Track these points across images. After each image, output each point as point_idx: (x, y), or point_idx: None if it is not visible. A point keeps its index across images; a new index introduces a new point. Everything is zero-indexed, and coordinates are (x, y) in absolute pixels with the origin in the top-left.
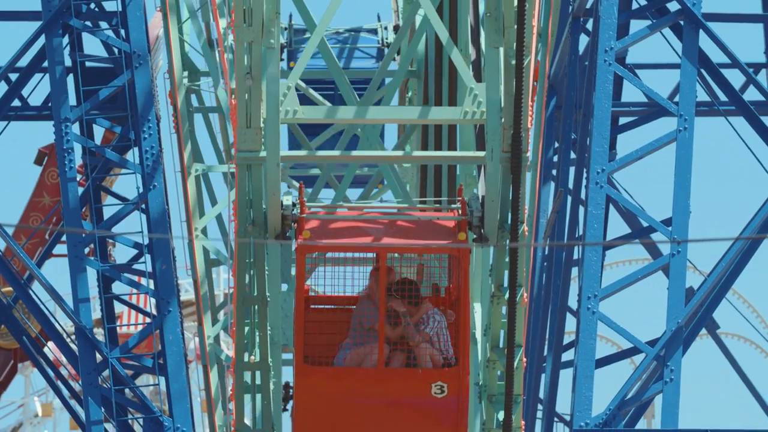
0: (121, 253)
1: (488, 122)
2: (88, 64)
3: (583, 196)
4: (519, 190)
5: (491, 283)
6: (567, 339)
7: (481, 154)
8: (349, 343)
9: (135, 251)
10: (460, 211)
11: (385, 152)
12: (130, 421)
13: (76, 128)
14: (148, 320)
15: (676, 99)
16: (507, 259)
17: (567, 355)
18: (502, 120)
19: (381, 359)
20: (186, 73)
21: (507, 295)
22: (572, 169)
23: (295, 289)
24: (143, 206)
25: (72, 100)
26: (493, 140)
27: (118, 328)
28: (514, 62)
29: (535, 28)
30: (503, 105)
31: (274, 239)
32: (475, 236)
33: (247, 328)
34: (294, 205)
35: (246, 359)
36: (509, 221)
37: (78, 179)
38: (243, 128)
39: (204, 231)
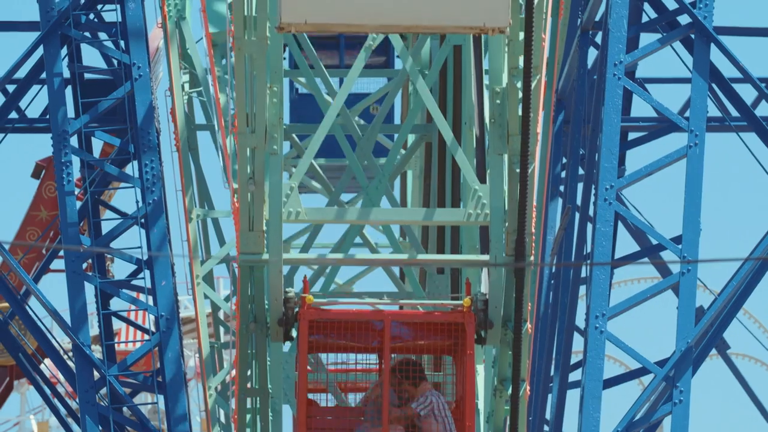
0: (119, 269)
1: (492, 227)
2: (87, 75)
3: (591, 212)
4: (522, 292)
5: (494, 375)
6: (574, 359)
7: (485, 258)
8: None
9: (134, 266)
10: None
11: (386, 256)
12: None
13: (74, 141)
14: (147, 337)
15: (687, 114)
16: (510, 352)
17: (574, 376)
18: (506, 225)
19: None
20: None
21: (510, 390)
22: (580, 185)
23: (298, 362)
24: (142, 221)
25: (70, 112)
26: (497, 244)
27: (116, 345)
28: (518, 170)
29: (539, 136)
30: (507, 209)
31: (276, 329)
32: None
33: (248, 415)
34: (296, 300)
35: None
36: (513, 320)
37: (76, 193)
38: (246, 231)
39: (206, 277)
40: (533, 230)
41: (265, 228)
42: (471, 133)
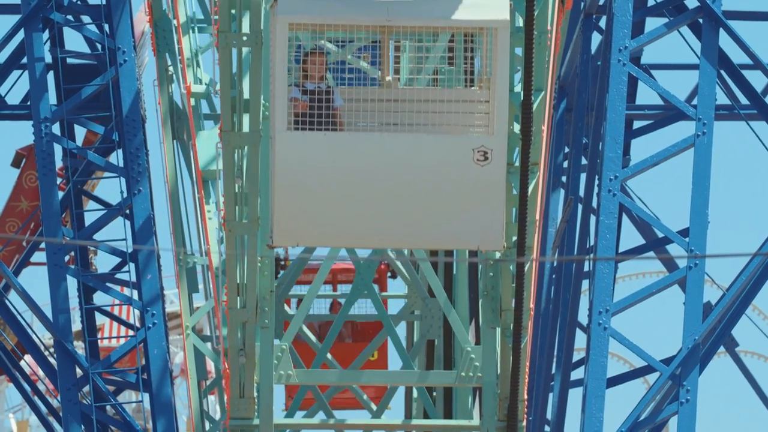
0: (103, 262)
1: (484, 393)
2: (69, 60)
3: (594, 204)
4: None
5: None
6: (576, 356)
7: (476, 423)
8: None
9: (118, 259)
10: None
11: (379, 421)
12: None
13: (56, 129)
14: (131, 333)
15: (694, 102)
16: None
17: (576, 374)
18: (498, 391)
19: None
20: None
21: None
22: (583, 176)
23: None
24: (127, 212)
25: (52, 98)
26: (489, 410)
27: (99, 340)
28: (511, 345)
29: (532, 309)
30: (500, 376)
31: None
32: None
33: None
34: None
35: None
36: None
37: (58, 183)
38: (236, 398)
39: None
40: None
41: (255, 394)
42: (465, 292)
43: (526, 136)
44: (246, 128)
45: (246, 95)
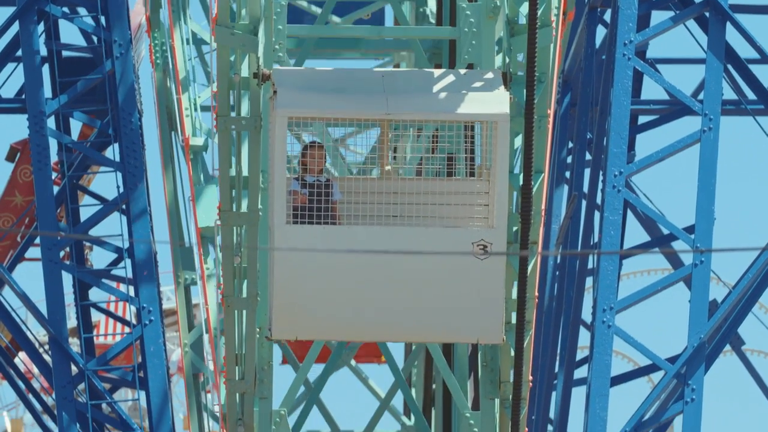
0: (99, 258)
1: None
2: (65, 53)
3: (598, 200)
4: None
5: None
6: (580, 354)
7: None
8: None
9: (114, 255)
10: None
11: None
12: None
13: (51, 122)
14: (127, 330)
15: (701, 96)
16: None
17: (580, 372)
18: None
19: None
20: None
21: None
22: (587, 172)
23: None
24: (123, 207)
25: (48, 92)
26: None
27: (95, 338)
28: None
29: (530, 383)
30: None
31: None
32: None
33: None
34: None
35: None
36: None
37: (53, 177)
38: None
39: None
40: None
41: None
42: (465, 351)
43: (525, 219)
44: (244, 207)
45: (245, 172)
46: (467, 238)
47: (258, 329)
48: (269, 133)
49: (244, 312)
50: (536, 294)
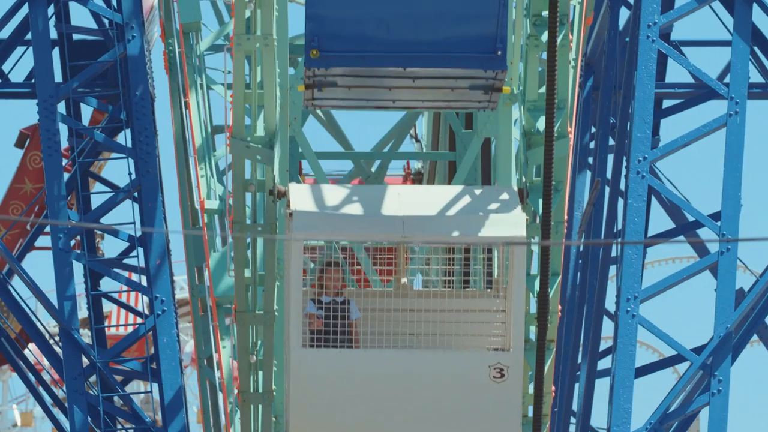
0: (110, 246)
1: None
2: (75, 36)
3: (622, 186)
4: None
5: None
6: (603, 345)
7: None
8: None
9: (126, 244)
10: None
11: None
12: (118, 431)
13: (61, 107)
14: (139, 321)
15: (727, 80)
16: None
17: (603, 363)
18: None
19: None
20: None
21: None
22: (611, 157)
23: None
24: (136, 194)
25: (58, 76)
26: None
27: (106, 329)
28: None
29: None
30: None
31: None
32: None
33: None
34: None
35: None
36: None
37: (63, 164)
38: None
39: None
40: None
41: None
42: None
43: (540, 351)
44: (260, 307)
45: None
46: (484, 361)
47: (274, 417)
48: (285, 255)
49: (260, 406)
50: (552, 388)
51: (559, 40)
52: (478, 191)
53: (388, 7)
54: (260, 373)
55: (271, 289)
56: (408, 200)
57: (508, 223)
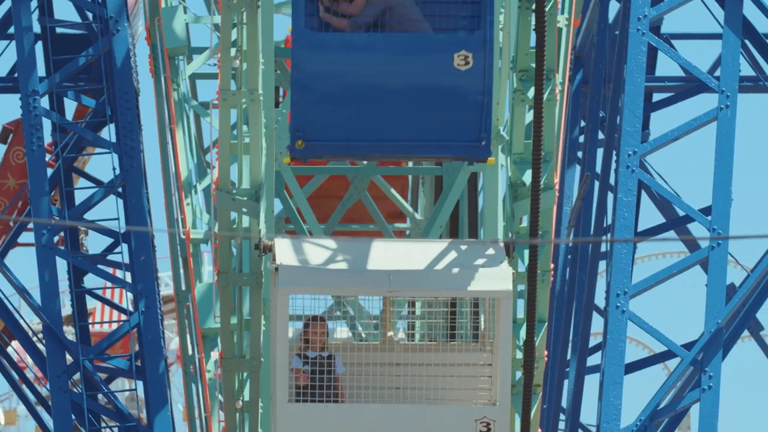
0: (94, 243)
1: None
2: (59, 30)
3: (612, 181)
4: None
5: None
6: (593, 341)
7: None
8: None
9: (110, 240)
10: None
11: None
12: (103, 430)
13: (45, 102)
14: (124, 317)
15: (717, 73)
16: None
17: (593, 359)
18: None
19: None
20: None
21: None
22: (600, 151)
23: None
24: (120, 190)
25: (41, 70)
26: None
27: (90, 326)
28: None
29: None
30: None
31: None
32: None
33: None
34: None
35: None
36: None
37: (47, 159)
38: None
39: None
40: None
41: None
42: None
43: (527, 390)
44: (245, 352)
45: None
46: (470, 415)
47: None
48: (271, 311)
49: None
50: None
51: (546, 94)
52: (464, 246)
53: (373, 97)
54: (246, 415)
55: (257, 336)
56: (394, 254)
57: (495, 278)
